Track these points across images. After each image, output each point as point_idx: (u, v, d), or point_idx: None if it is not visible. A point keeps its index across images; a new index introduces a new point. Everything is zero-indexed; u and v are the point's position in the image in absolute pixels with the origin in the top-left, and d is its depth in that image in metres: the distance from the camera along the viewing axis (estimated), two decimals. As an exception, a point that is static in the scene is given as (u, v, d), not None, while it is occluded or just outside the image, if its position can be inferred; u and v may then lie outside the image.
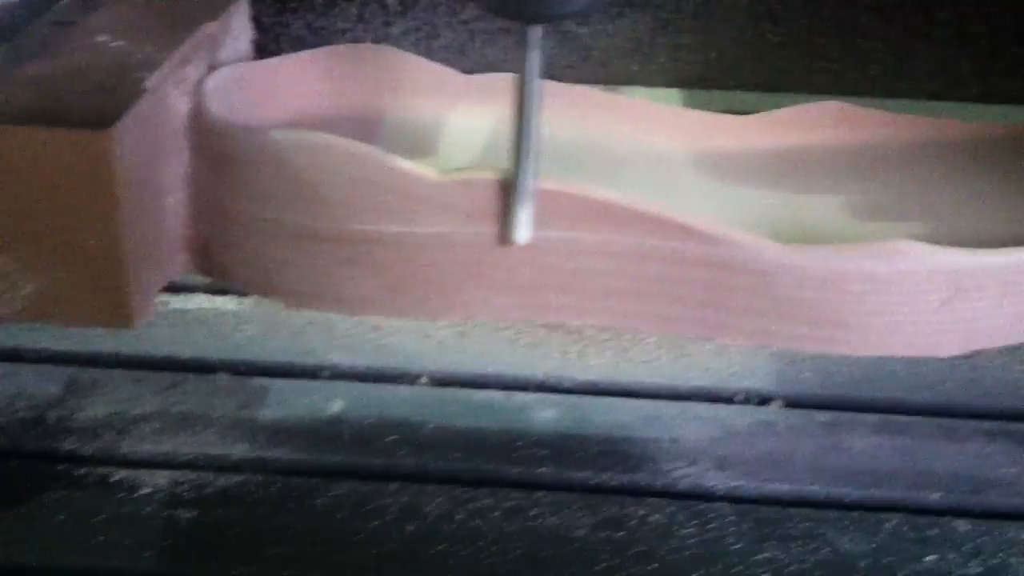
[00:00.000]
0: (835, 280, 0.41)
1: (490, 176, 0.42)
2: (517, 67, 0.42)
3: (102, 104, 0.41)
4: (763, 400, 0.50)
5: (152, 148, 0.43)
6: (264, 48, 0.61)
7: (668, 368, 0.52)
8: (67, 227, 0.40)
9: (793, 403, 0.50)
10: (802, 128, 0.53)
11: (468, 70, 0.72)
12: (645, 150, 0.52)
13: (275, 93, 0.51)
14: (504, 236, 0.43)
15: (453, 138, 0.52)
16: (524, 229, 0.43)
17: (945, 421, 0.48)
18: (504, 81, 0.52)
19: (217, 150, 0.44)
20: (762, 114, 0.54)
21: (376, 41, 0.71)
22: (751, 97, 0.71)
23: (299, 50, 0.71)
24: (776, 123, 0.53)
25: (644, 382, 0.51)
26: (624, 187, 0.45)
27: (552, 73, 0.72)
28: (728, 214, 0.48)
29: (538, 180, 0.42)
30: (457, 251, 0.43)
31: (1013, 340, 0.43)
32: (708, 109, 0.68)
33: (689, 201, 0.49)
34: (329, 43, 0.71)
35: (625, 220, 0.42)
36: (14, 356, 0.52)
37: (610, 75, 0.72)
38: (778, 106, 0.69)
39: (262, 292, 0.46)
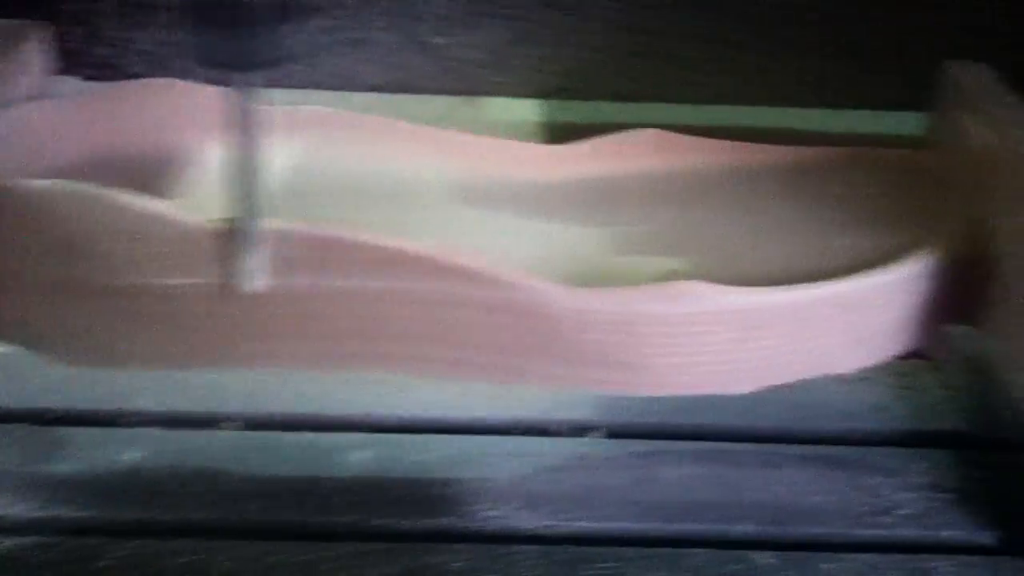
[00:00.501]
0: (622, 323, 0.40)
1: (271, 225, 0.40)
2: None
3: None
4: (583, 431, 0.48)
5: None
6: (67, 73, 0.58)
7: (488, 401, 0.50)
8: None
9: (615, 432, 0.48)
10: (617, 157, 0.51)
11: (318, 83, 0.70)
12: (443, 181, 0.50)
13: (59, 136, 0.48)
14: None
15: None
16: (255, 277, 0.41)
17: (764, 447, 0.47)
18: (304, 114, 0.50)
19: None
20: (576, 143, 0.52)
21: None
22: (612, 108, 0.70)
23: (148, 67, 0.69)
24: (591, 152, 0.51)
25: (462, 417, 0.49)
26: (413, 222, 0.43)
27: (410, 84, 0.71)
28: (525, 250, 0.46)
29: (290, 225, 0.40)
30: (228, 301, 0.41)
31: (806, 375, 0.42)
32: (568, 120, 0.67)
33: (486, 237, 0.47)
34: (175, 58, 0.69)
35: (414, 266, 0.40)
36: None
37: (468, 86, 0.70)
38: (640, 116, 0.68)
39: (36, 350, 0.43)
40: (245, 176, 0.40)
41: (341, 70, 0.70)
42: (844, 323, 0.41)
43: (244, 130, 0.39)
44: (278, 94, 0.66)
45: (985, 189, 0.45)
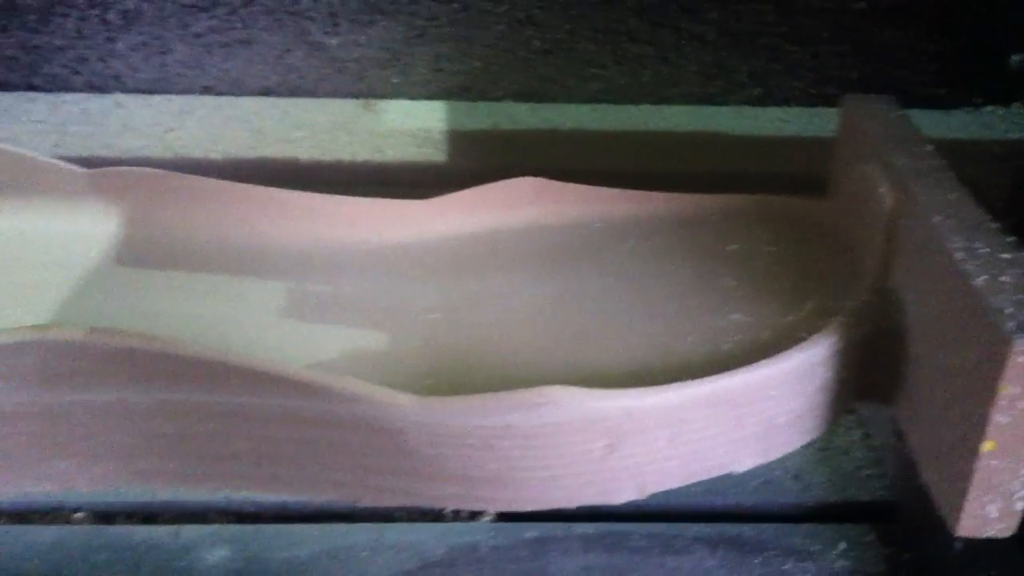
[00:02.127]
0: (477, 436, 0.35)
1: (60, 335, 0.35)
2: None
3: None
4: (475, 515, 0.45)
5: None
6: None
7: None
8: None
9: (505, 515, 0.45)
10: (493, 209, 0.47)
11: (208, 87, 0.65)
12: (293, 246, 0.45)
13: None
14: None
15: (59, 251, 0.44)
16: None
17: (663, 528, 0.44)
18: (129, 176, 0.45)
19: None
20: (446, 196, 0.47)
21: (102, 59, 0.64)
22: (519, 108, 0.67)
23: (15, 73, 0.63)
24: (461, 204, 0.47)
25: (335, 501, 0.45)
26: (263, 300, 0.38)
27: (306, 87, 0.66)
28: (389, 330, 0.42)
29: (108, 333, 0.35)
30: (35, 420, 0.36)
31: (691, 479, 0.38)
32: (474, 121, 0.63)
33: (341, 315, 0.42)
34: (47, 63, 0.64)
35: (222, 377, 0.35)
36: None
37: (368, 88, 0.67)
38: (547, 116, 0.64)
39: None
40: None
41: (227, 72, 0.66)
42: (732, 420, 0.37)
43: None
44: (163, 101, 0.62)
45: (890, 252, 0.41)
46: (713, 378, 0.36)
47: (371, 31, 0.65)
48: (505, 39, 0.66)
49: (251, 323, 0.38)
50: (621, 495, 0.37)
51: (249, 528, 0.44)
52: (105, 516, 0.45)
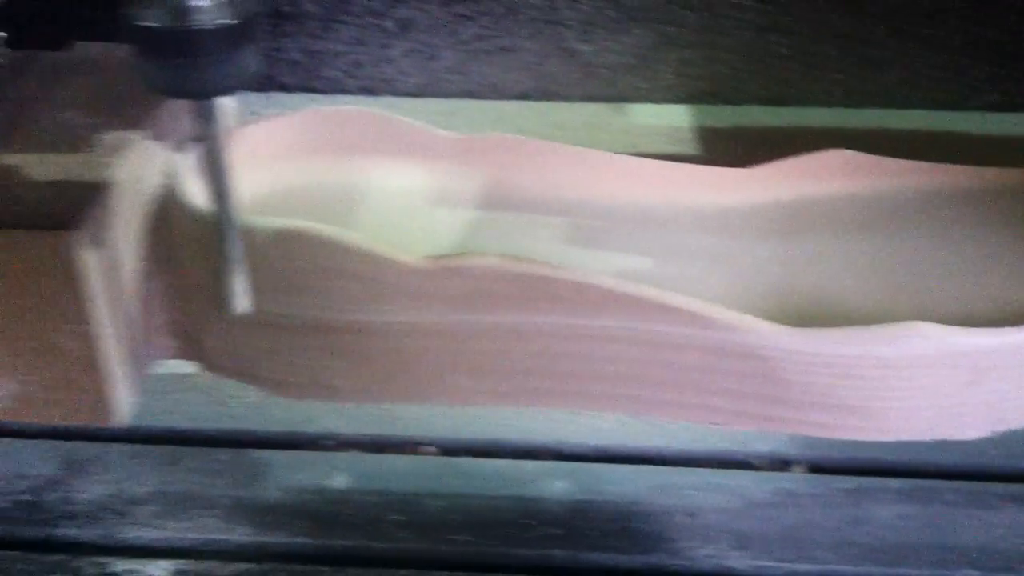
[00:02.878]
0: (847, 366, 0.39)
1: (481, 262, 0.40)
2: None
3: (71, 196, 0.39)
4: (783, 465, 0.48)
5: (128, 235, 0.41)
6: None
7: (682, 431, 0.50)
8: (40, 327, 0.39)
9: (816, 467, 0.48)
10: (806, 179, 0.50)
11: (469, 92, 0.70)
12: (636, 208, 0.50)
13: (251, 163, 0.49)
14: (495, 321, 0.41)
15: (439, 207, 0.50)
16: (240, 299, 0.40)
17: (976, 486, 0.46)
18: (493, 141, 0.50)
19: (193, 236, 0.42)
20: (762, 166, 0.51)
21: (375, 64, 0.69)
22: (760, 111, 0.69)
23: (295, 75, 0.70)
24: (777, 175, 0.50)
25: (657, 447, 0.49)
26: (617, 253, 0.43)
27: (556, 92, 0.71)
28: (731, 281, 0.46)
29: (517, 261, 0.40)
30: (446, 338, 0.41)
31: None
32: (716, 125, 0.66)
33: (690, 267, 0.47)
34: (326, 67, 0.69)
35: (621, 305, 0.40)
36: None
37: (615, 92, 0.70)
38: (786, 119, 0.67)
39: (250, 382, 0.44)
40: (221, 196, 0.38)
41: (488, 78, 0.70)
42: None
43: (212, 151, 0.37)
44: (430, 104, 0.67)
45: None
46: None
47: (622, 37, 0.68)
48: (749, 45, 0.68)
49: (611, 272, 0.42)
50: (973, 430, 0.40)
51: (585, 466, 0.49)
52: (449, 450, 0.50)
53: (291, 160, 0.50)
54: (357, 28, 0.68)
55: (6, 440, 0.50)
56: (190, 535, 0.45)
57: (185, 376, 0.54)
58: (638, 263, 0.46)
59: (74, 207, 0.38)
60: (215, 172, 0.38)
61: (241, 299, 0.40)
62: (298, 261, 0.41)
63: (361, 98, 0.70)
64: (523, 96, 0.71)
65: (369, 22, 0.68)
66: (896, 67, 0.66)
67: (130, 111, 0.44)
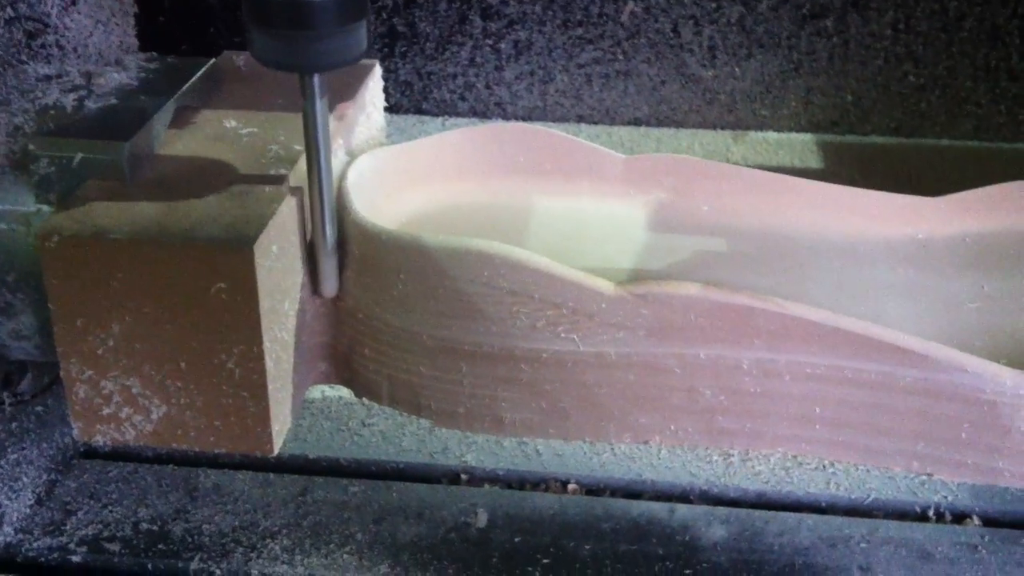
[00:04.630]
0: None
1: (679, 290, 0.37)
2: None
3: (241, 211, 0.37)
4: (957, 517, 0.45)
5: (292, 251, 0.39)
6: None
7: (844, 476, 0.46)
8: (203, 345, 0.37)
9: (991, 520, 0.44)
10: (993, 211, 0.47)
11: (581, 116, 0.68)
12: (827, 238, 0.46)
13: (417, 180, 0.47)
14: (682, 354, 0.38)
15: (608, 229, 0.47)
16: (331, 282, 0.39)
17: None
18: (664, 163, 0.47)
19: (360, 253, 0.40)
20: (945, 197, 0.48)
21: (488, 86, 0.68)
22: (888, 142, 0.66)
23: (406, 96, 0.68)
24: (960, 206, 0.47)
25: (819, 493, 0.46)
26: (812, 286, 0.40)
27: (671, 118, 0.69)
28: (932, 318, 0.42)
29: (721, 291, 0.37)
30: (633, 371, 0.38)
31: None
32: (840, 155, 0.63)
33: (886, 302, 0.43)
34: (437, 88, 0.68)
35: (828, 340, 0.37)
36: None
37: (736, 119, 0.68)
38: (916, 153, 0.64)
39: (409, 410, 0.41)
40: (318, 184, 0.37)
41: (603, 102, 0.68)
42: None
43: (315, 131, 0.36)
44: (541, 127, 0.65)
45: None
46: None
47: (747, 64, 0.66)
48: (881, 74, 0.65)
49: (809, 301, 0.39)
50: None
51: (738, 511, 0.45)
52: (593, 490, 0.47)
53: (456, 179, 0.48)
54: (472, 49, 0.67)
55: (129, 465, 0.48)
56: (323, 573, 0.43)
57: (310, 401, 0.52)
58: (825, 296, 0.43)
59: (247, 222, 0.36)
60: (313, 148, 0.37)
61: (330, 283, 0.39)
62: (470, 282, 0.38)
63: (473, 120, 0.69)
64: (636, 122, 0.69)
65: (485, 44, 0.67)
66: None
67: (293, 120, 0.42)
